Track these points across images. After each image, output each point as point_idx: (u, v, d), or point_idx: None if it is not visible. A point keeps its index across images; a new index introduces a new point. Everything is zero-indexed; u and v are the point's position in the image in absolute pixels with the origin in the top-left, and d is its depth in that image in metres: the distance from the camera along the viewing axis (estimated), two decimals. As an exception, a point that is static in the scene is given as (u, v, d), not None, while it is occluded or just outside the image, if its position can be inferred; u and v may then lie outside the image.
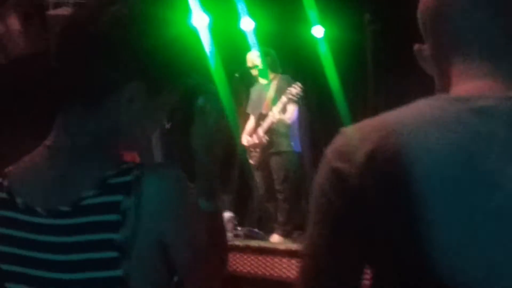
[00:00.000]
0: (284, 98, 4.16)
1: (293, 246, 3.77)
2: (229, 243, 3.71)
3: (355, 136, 0.70)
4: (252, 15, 4.63)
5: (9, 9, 3.80)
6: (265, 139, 4.27)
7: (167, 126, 4.53)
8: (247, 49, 4.48)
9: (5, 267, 0.83)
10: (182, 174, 0.83)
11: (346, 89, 4.58)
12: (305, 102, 4.53)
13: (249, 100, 4.55)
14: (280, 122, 4.20)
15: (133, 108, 0.84)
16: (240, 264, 3.74)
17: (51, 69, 0.86)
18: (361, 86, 4.76)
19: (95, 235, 0.79)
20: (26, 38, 3.80)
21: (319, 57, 4.61)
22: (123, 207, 0.79)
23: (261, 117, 4.35)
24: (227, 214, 3.84)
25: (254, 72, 4.38)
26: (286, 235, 4.19)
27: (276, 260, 3.63)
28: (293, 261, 3.54)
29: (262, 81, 4.42)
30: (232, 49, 4.52)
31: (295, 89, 4.15)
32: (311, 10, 4.54)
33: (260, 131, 4.30)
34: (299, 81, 4.22)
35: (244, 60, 4.42)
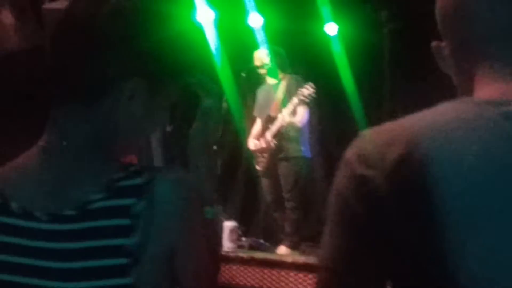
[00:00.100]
0: (295, 100, 4.15)
1: (301, 259, 3.76)
2: (233, 254, 3.73)
3: (381, 141, 0.70)
4: (260, 11, 4.64)
5: (2, 2, 3.83)
6: (273, 143, 4.27)
7: (169, 129, 4.56)
8: (255, 47, 4.49)
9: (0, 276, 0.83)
10: (194, 180, 0.84)
11: (361, 91, 4.57)
12: (316, 104, 4.52)
13: (255, 102, 4.55)
14: (290, 125, 4.20)
15: (132, 107, 0.84)
16: (244, 277, 3.74)
17: (46, 65, 0.87)
18: (377, 88, 4.75)
19: (103, 241, 0.79)
20: (20, 33, 3.83)
21: (332, 56, 4.61)
22: (134, 211, 0.79)
23: (269, 120, 4.35)
24: (231, 224, 3.84)
25: (262, 71, 4.38)
26: (294, 246, 4.18)
27: (282, 273, 3.62)
28: (301, 275, 3.53)
29: (270, 81, 4.42)
30: (239, 47, 4.53)
31: (308, 90, 4.14)
32: (324, 6, 4.54)
33: (268, 135, 4.30)
34: (311, 82, 4.21)
35: (251, 59, 4.43)
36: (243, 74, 4.42)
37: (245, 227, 4.55)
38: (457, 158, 0.66)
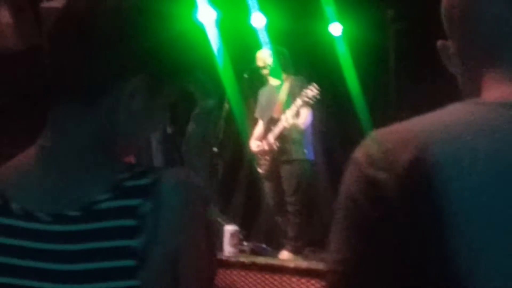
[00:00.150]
0: (298, 101, 4.16)
1: (303, 264, 3.76)
2: (233, 259, 3.73)
3: (391, 143, 0.70)
4: (263, 11, 4.64)
5: None
6: (275, 145, 4.27)
7: (169, 130, 4.57)
8: (258, 47, 4.49)
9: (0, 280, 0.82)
10: (199, 180, 0.85)
11: (366, 92, 4.57)
12: (320, 106, 4.52)
13: (257, 103, 4.55)
14: (293, 127, 4.20)
15: (133, 106, 0.85)
16: (245, 282, 3.73)
17: (44, 64, 0.87)
18: (383, 89, 4.75)
19: (109, 242, 0.79)
20: (18, 32, 3.84)
21: (336, 57, 4.61)
22: (141, 212, 0.79)
23: (271, 122, 4.35)
24: (232, 227, 3.83)
25: (265, 72, 4.39)
26: (296, 251, 4.18)
27: (284, 279, 3.61)
28: (303, 281, 3.52)
29: (273, 82, 4.42)
30: (241, 47, 4.53)
31: (312, 91, 4.14)
32: (328, 5, 4.54)
33: (271, 137, 4.30)
34: (314, 83, 4.22)
35: (254, 59, 4.43)
36: (245, 75, 4.42)
37: (247, 231, 4.54)
38: (469, 161, 0.66)
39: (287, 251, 4.21)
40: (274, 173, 4.32)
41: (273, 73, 4.37)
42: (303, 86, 4.24)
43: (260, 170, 4.43)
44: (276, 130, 4.27)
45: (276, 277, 3.66)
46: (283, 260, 4.09)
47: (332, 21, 4.67)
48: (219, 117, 4.29)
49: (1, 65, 3.72)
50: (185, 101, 3.89)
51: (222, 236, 3.70)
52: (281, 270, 3.67)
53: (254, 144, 4.43)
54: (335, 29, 4.70)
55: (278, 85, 4.39)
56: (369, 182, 0.70)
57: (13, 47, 3.84)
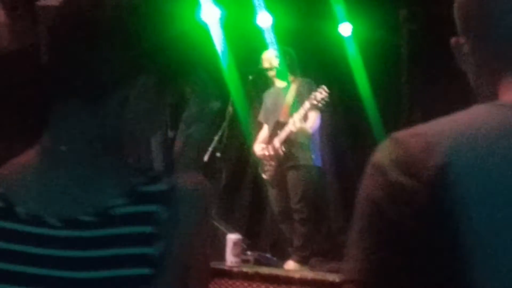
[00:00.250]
0: (307, 104, 4.15)
1: (310, 274, 3.75)
2: (236, 269, 3.72)
3: (417, 147, 0.70)
4: (270, 10, 4.65)
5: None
6: (281, 150, 4.27)
7: (170, 134, 4.57)
8: (264, 48, 4.50)
9: None
10: (209, 185, 0.86)
11: (377, 95, 4.57)
12: (329, 110, 4.52)
13: (262, 106, 4.55)
14: (301, 131, 4.19)
15: (140, 105, 0.85)
16: (249, 294, 3.72)
17: (44, 63, 0.87)
18: (394, 92, 4.74)
19: (125, 249, 0.79)
20: (12, 32, 3.86)
21: (346, 59, 4.62)
22: (158, 219, 0.80)
23: (277, 126, 4.35)
24: (235, 236, 3.83)
25: (271, 73, 4.39)
26: (302, 261, 4.17)
27: (290, 290, 3.61)
28: (310, 293, 3.51)
29: (279, 84, 4.42)
30: (246, 47, 4.54)
31: (321, 94, 4.13)
32: (337, 4, 4.55)
33: (277, 141, 4.30)
34: (324, 85, 4.21)
35: (259, 61, 4.43)
36: (250, 77, 4.42)
37: (251, 240, 4.53)
38: (502, 168, 0.67)
39: (293, 261, 4.20)
40: (279, 179, 4.32)
41: (280, 75, 4.37)
42: (311, 89, 4.23)
43: (265, 176, 4.43)
44: (283, 134, 4.26)
45: (281, 289, 3.65)
46: (288, 270, 4.07)
47: (342, 20, 4.67)
48: (222, 120, 4.29)
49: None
50: (187, 103, 3.89)
51: (225, 245, 3.70)
52: (286, 281, 3.66)
53: (259, 149, 4.43)
54: (345, 29, 4.70)
55: (285, 87, 4.38)
56: (393, 187, 0.69)
57: (8, 46, 3.86)
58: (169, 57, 0.87)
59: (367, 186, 0.72)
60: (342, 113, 4.95)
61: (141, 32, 0.84)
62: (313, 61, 4.74)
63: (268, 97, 4.51)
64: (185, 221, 0.81)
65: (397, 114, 4.64)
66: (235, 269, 3.74)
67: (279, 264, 4.23)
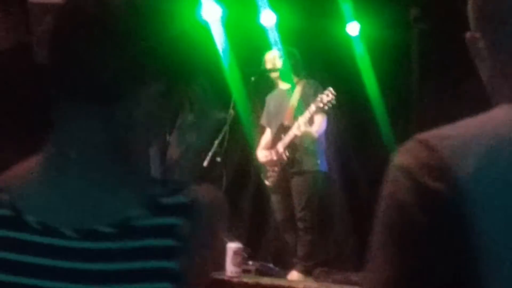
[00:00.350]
0: (312, 107, 4.15)
1: (314, 285, 3.74)
2: (236, 279, 3.72)
3: (448, 150, 0.70)
4: (273, 8, 4.66)
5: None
6: (285, 155, 4.26)
7: (169, 138, 4.58)
8: (267, 48, 4.50)
9: None
10: (227, 201, 0.88)
11: (386, 98, 4.56)
12: (335, 112, 4.52)
13: (264, 109, 4.55)
14: (306, 135, 4.19)
15: (152, 109, 0.85)
16: (250, 306, 3.72)
17: (47, 61, 0.86)
18: (404, 94, 4.74)
19: (145, 262, 0.79)
20: (4, 30, 3.87)
21: (353, 59, 4.62)
22: (180, 232, 0.80)
23: (281, 129, 4.35)
24: (235, 245, 3.83)
25: (274, 75, 4.39)
26: (307, 272, 4.17)
27: (293, 302, 3.60)
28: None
29: (283, 86, 4.43)
30: (249, 48, 4.54)
31: (327, 96, 4.13)
32: (345, 2, 4.55)
33: (280, 146, 4.30)
34: (330, 87, 4.21)
35: (262, 61, 4.44)
36: (252, 78, 4.43)
37: (252, 249, 4.53)
38: None
39: (296, 271, 4.19)
40: (283, 186, 4.32)
41: (283, 77, 4.37)
42: (317, 90, 4.24)
43: (267, 183, 4.42)
44: (287, 138, 4.26)
45: (284, 301, 3.64)
46: (291, 281, 4.07)
47: (349, 19, 4.67)
48: (223, 125, 4.29)
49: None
50: (182, 109, 3.90)
51: (225, 254, 3.69)
52: (289, 292, 3.65)
53: (262, 154, 4.43)
54: (353, 28, 4.71)
55: (289, 89, 4.39)
56: (424, 192, 0.69)
57: (1, 44, 3.87)
58: (169, 58, 0.87)
59: (393, 191, 0.72)
60: (349, 116, 4.94)
61: (145, 31, 0.84)
62: (319, 61, 4.74)
63: (271, 100, 4.50)
64: (205, 235, 0.83)
65: (407, 118, 4.64)
66: (235, 280, 3.74)
67: (282, 275, 4.23)
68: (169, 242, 0.80)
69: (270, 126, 4.48)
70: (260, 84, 4.54)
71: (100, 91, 0.83)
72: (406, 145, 0.73)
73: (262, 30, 4.64)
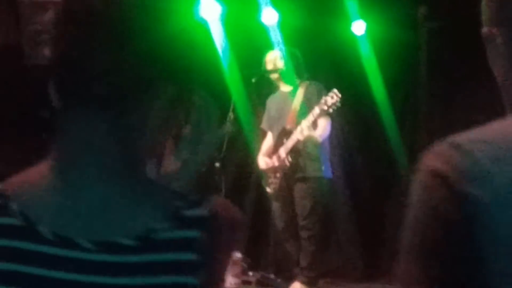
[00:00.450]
0: (316, 110, 4.14)
1: (318, 298, 3.74)
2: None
3: (484, 155, 0.70)
4: (275, 6, 4.66)
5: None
6: (287, 161, 4.26)
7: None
8: (268, 48, 4.51)
9: None
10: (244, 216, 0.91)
11: (393, 100, 4.57)
12: (340, 116, 4.52)
13: (265, 112, 4.55)
14: (309, 140, 4.19)
15: (164, 115, 0.85)
16: (251, 319, 3.71)
17: (48, 61, 0.86)
18: (412, 96, 4.74)
19: (167, 277, 0.79)
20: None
21: (359, 60, 4.62)
22: (200, 245, 0.81)
23: (283, 134, 4.34)
24: (235, 255, 3.82)
25: (275, 76, 4.39)
26: (310, 283, 4.16)
27: (296, 316, 3.59)
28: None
29: (285, 88, 4.42)
30: (249, 48, 4.55)
31: (332, 98, 4.13)
32: (350, 0, 4.56)
33: (282, 151, 4.29)
34: (335, 89, 4.20)
35: (263, 62, 4.44)
36: (253, 80, 4.43)
37: (252, 259, 4.53)
38: None
39: (299, 282, 4.19)
40: (285, 193, 4.31)
41: (285, 78, 4.37)
42: (321, 92, 4.23)
43: (268, 190, 4.42)
44: (289, 143, 4.26)
45: (286, 314, 3.64)
46: (294, 293, 4.07)
47: (355, 18, 4.68)
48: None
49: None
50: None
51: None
52: (292, 305, 3.65)
53: (263, 161, 4.42)
54: (358, 27, 4.72)
55: (291, 91, 4.38)
56: (462, 199, 0.69)
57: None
58: (169, 59, 0.87)
59: (427, 199, 0.71)
60: (354, 120, 4.94)
61: (149, 32, 0.84)
62: (323, 62, 4.74)
63: (272, 103, 4.50)
64: (224, 249, 0.84)
65: (415, 121, 4.64)
66: (236, 292, 3.73)
67: (284, 286, 4.23)
68: (190, 256, 0.80)
69: (271, 130, 4.48)
70: (261, 86, 4.54)
71: (108, 95, 0.83)
72: (435, 148, 0.73)
73: (264, 29, 4.65)
